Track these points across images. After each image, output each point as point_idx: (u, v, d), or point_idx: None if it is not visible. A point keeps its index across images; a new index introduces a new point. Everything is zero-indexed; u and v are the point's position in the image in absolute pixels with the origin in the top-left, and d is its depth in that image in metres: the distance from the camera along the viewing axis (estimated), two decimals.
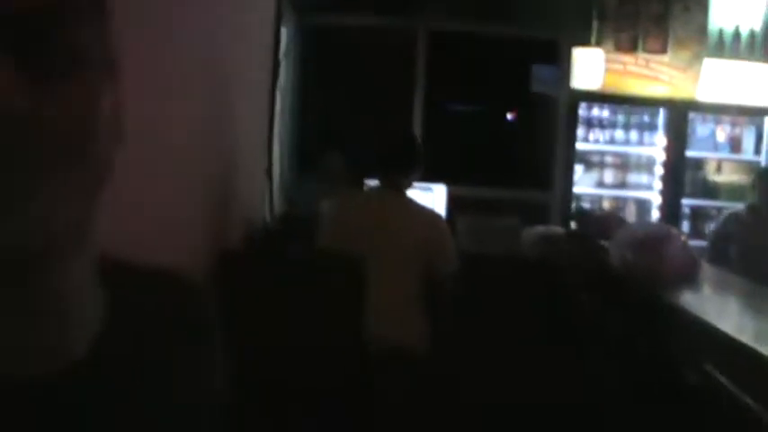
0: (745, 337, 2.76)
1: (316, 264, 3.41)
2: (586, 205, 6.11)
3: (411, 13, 6.06)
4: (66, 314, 0.65)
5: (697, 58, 6.06)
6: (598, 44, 6.00)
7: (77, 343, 0.66)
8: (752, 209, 4.59)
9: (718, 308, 3.59)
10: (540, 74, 6.43)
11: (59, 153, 0.56)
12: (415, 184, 3.76)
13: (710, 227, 5.05)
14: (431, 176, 4.91)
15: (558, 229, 5.04)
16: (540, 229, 4.75)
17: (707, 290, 4.04)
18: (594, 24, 6.02)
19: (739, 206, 4.81)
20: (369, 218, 3.51)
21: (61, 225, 0.58)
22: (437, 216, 3.72)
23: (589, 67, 5.94)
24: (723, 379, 2.64)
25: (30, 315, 0.62)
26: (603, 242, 4.22)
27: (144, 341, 0.73)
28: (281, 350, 3.11)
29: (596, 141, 6.26)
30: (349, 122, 6.06)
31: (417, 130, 6.11)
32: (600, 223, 4.59)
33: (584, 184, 6.23)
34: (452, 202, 4.94)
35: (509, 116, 6.84)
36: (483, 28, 6.18)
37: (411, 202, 3.62)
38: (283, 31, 5.17)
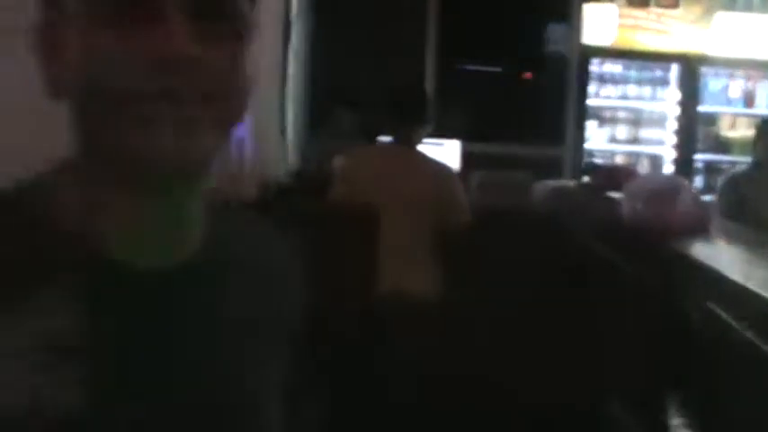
0: (752, 284, 2.80)
1: (329, 216, 3.49)
2: (599, 161, 6.14)
3: None
4: (190, 221, 0.80)
5: (709, 11, 6.05)
6: None
7: (190, 245, 0.81)
8: (756, 164, 4.61)
9: (727, 257, 3.63)
10: (555, 33, 6.43)
11: (216, 89, 0.72)
12: (428, 139, 3.81)
13: (720, 182, 5.07)
14: (443, 133, 4.96)
15: (570, 183, 5.09)
16: (552, 182, 4.79)
17: (717, 241, 4.08)
18: None
19: (745, 161, 4.83)
20: (380, 171, 3.58)
21: (211, 148, 0.74)
22: (447, 168, 3.78)
23: (601, 22, 5.95)
24: (731, 320, 2.69)
25: (168, 217, 0.78)
26: (615, 195, 4.26)
27: (234, 258, 0.87)
28: None
29: (608, 97, 6.28)
30: (361, 80, 6.09)
31: (430, 86, 6.14)
32: (611, 176, 4.62)
33: (596, 139, 6.26)
34: (465, 157, 4.99)
35: (526, 76, 6.83)
36: None
37: (422, 156, 3.67)
38: None
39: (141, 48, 0.69)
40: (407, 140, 3.63)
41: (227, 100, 0.75)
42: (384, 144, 3.79)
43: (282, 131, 4.75)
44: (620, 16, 5.99)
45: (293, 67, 5.22)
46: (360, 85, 6.03)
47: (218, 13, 0.73)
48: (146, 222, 0.77)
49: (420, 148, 3.71)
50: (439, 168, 3.68)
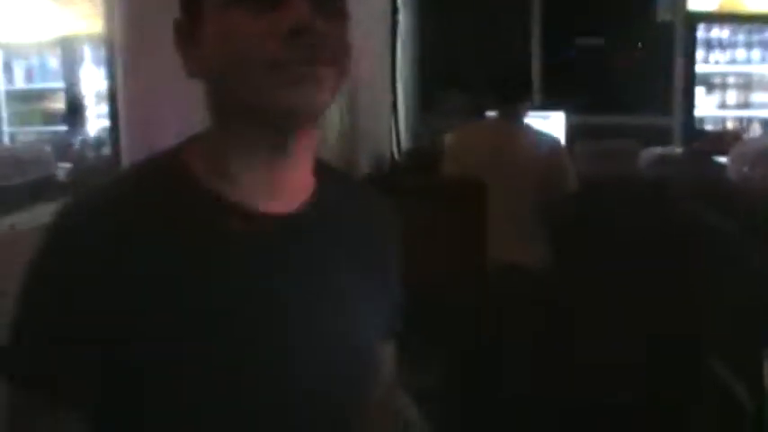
0: None
1: (438, 189, 3.70)
2: (709, 127, 6.12)
3: None
4: (302, 166, 1.01)
5: None
6: None
7: (306, 192, 1.02)
8: None
9: None
10: (662, 2, 6.41)
11: (333, 54, 0.92)
12: (534, 112, 3.98)
13: None
14: (549, 105, 5.08)
15: (676, 150, 5.13)
16: (658, 149, 4.85)
17: None
18: None
19: None
20: (488, 145, 3.76)
21: (329, 102, 0.93)
22: (554, 140, 3.94)
23: None
24: None
25: (296, 167, 0.99)
26: (722, 159, 4.29)
27: (340, 212, 1.06)
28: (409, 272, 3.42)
29: (717, 63, 6.23)
30: (468, 59, 6.25)
31: (536, 61, 6.26)
32: (717, 141, 4.65)
33: (705, 106, 6.22)
34: (571, 129, 5.09)
35: (633, 46, 6.80)
36: None
37: (528, 128, 3.84)
38: None
39: (275, 24, 0.88)
40: (513, 115, 3.80)
41: (340, 63, 0.93)
42: (491, 119, 3.96)
43: (393, 111, 4.97)
44: None
45: (401, 49, 5.42)
46: (467, 64, 6.19)
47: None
48: (271, 171, 0.97)
49: (526, 121, 3.87)
50: (545, 139, 3.85)
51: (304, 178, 1.01)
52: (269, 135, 0.94)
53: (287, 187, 0.98)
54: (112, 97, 2.97)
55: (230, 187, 0.95)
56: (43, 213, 2.14)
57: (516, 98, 3.80)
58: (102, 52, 6.48)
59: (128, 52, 2.42)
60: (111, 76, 2.92)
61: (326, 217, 1.01)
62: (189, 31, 0.95)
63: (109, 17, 2.62)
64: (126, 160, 2.53)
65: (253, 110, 0.92)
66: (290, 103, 0.89)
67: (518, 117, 3.81)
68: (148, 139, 2.31)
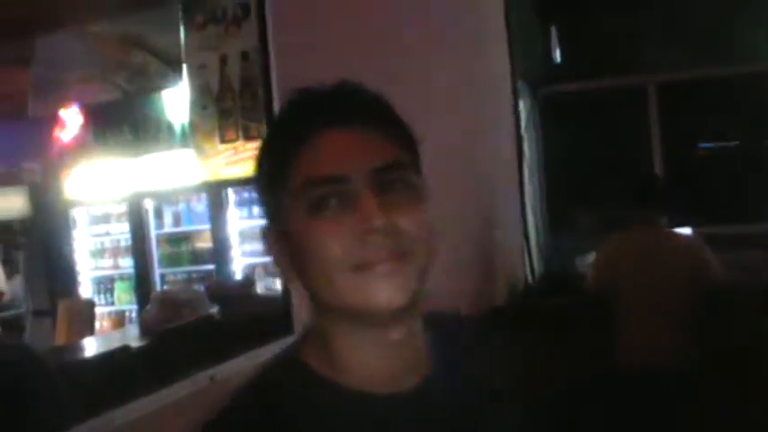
0: None
1: (572, 309, 3.89)
2: None
3: (640, 70, 6.37)
4: (411, 346, 1.01)
5: None
6: None
7: (421, 367, 1.03)
8: None
9: None
10: None
11: (410, 249, 0.94)
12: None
13: None
14: (676, 219, 5.15)
15: None
16: None
17: None
18: None
19: None
20: (635, 254, 3.91)
21: (415, 289, 0.95)
22: (696, 241, 4.07)
23: None
24: None
25: (404, 349, 0.99)
26: None
27: (454, 361, 1.06)
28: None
29: None
30: (593, 178, 6.40)
31: (659, 172, 6.36)
32: None
33: None
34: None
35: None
36: (713, 72, 6.33)
37: (669, 233, 3.99)
38: (521, 105, 5.68)
39: (351, 228, 0.91)
40: (655, 223, 3.96)
41: (421, 250, 0.95)
42: (634, 230, 4.09)
43: (526, 239, 5.16)
44: None
45: (528, 176, 5.64)
46: (592, 182, 6.33)
47: (396, 186, 0.95)
48: (381, 356, 0.98)
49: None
50: (688, 241, 4.00)
51: (416, 355, 1.02)
52: (366, 331, 0.97)
53: (401, 368, 1.00)
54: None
55: (348, 376, 0.98)
56: (243, 364, 2.36)
57: (658, 206, 3.96)
58: (245, 194, 6.99)
59: None
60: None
61: (448, 382, 1.03)
62: (278, 240, 1.00)
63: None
64: (295, 296, 2.67)
65: (344, 311, 0.95)
66: (376, 302, 0.92)
67: (657, 224, 3.96)
68: None
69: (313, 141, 0.94)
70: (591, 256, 4.36)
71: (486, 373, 1.10)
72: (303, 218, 0.93)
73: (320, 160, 0.94)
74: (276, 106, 2.63)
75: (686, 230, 5.16)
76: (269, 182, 1.00)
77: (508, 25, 5.02)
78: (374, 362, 0.98)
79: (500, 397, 1.10)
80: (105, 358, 3.63)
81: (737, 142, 6.74)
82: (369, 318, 0.94)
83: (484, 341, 1.17)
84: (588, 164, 6.53)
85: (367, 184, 0.92)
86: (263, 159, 1.02)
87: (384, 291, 0.91)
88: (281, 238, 0.98)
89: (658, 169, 6.47)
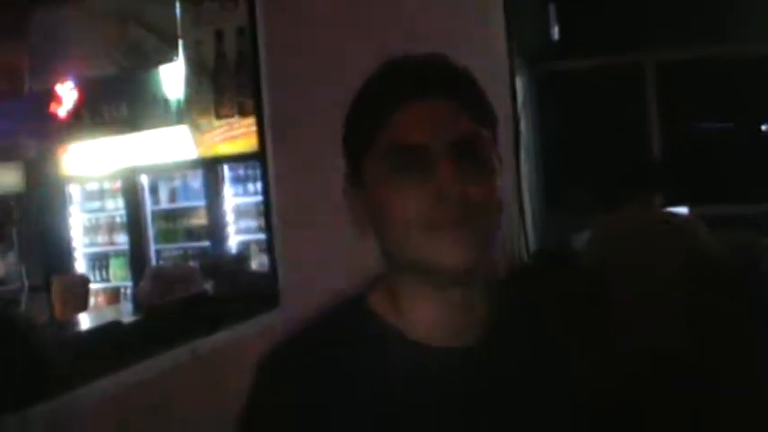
0: None
1: (573, 284, 3.86)
2: None
3: (638, 48, 6.34)
4: (476, 309, 1.07)
5: None
6: None
7: (479, 329, 1.08)
8: None
9: None
10: None
11: (479, 220, 1.00)
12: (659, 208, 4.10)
13: None
14: (673, 198, 5.13)
15: None
16: None
17: None
18: None
19: None
20: (631, 233, 3.90)
21: (479, 259, 1.01)
22: (691, 221, 4.06)
23: None
24: None
25: (465, 309, 1.06)
26: None
27: (516, 334, 1.12)
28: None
29: None
30: (590, 157, 6.38)
31: (657, 151, 6.35)
32: None
33: None
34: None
35: (763, 128, 6.68)
36: (711, 52, 6.27)
37: (663, 213, 3.97)
38: (518, 82, 5.63)
39: (426, 192, 0.98)
40: (650, 204, 3.94)
41: (489, 222, 1.02)
42: (630, 209, 4.07)
43: (521, 214, 5.13)
44: None
45: (524, 154, 5.60)
46: (589, 162, 6.31)
47: (474, 157, 1.01)
48: (443, 312, 1.05)
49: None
50: (683, 220, 3.98)
51: (476, 315, 1.07)
52: (430, 287, 1.04)
53: (460, 325, 1.06)
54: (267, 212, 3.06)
55: (409, 327, 1.05)
56: (225, 338, 2.35)
57: (654, 187, 3.95)
58: (241, 171, 6.98)
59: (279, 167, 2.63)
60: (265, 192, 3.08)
61: (503, 346, 1.09)
62: (357, 199, 1.07)
63: (262, 139, 2.85)
64: (281, 272, 2.71)
65: (413, 266, 1.02)
66: (442, 263, 0.99)
67: (651, 204, 3.95)
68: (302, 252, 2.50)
69: (401, 110, 1.01)
70: (586, 234, 4.34)
71: (535, 340, 1.16)
72: (384, 180, 1.01)
73: (405, 129, 1.01)
74: (264, 83, 2.61)
75: (683, 210, 5.15)
76: (354, 144, 1.07)
77: (506, 1, 4.98)
78: (436, 316, 1.05)
79: (547, 365, 1.14)
80: (94, 333, 3.61)
81: (732, 124, 6.69)
82: (434, 275, 1.01)
83: (530, 310, 1.24)
84: (585, 142, 6.50)
85: (445, 154, 0.99)
86: (351, 122, 1.09)
87: (450, 253, 0.98)
88: (361, 196, 1.06)
89: (655, 148, 6.45)
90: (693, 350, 3.75)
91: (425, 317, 1.05)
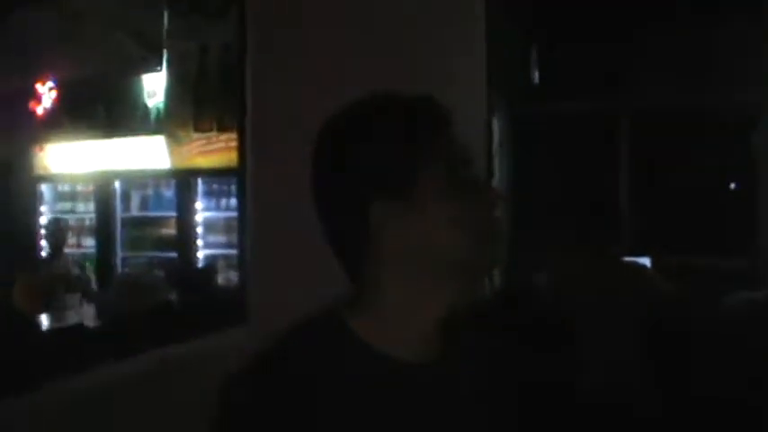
0: None
1: (528, 328, 3.92)
2: None
3: (612, 96, 6.46)
4: (461, 319, 1.14)
5: None
6: None
7: (451, 344, 1.13)
8: None
9: None
10: (759, 138, 6.34)
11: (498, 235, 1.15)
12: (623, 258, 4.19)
13: None
14: (637, 248, 5.22)
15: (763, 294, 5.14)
16: (746, 294, 4.89)
17: None
18: None
19: None
20: (585, 283, 3.96)
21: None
22: (641, 267, 4.16)
23: None
24: None
25: (453, 323, 1.12)
26: None
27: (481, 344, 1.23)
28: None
29: None
30: (557, 200, 6.44)
31: (623, 202, 6.44)
32: None
33: None
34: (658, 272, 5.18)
35: (732, 186, 6.74)
36: (687, 102, 6.38)
37: (617, 262, 4.05)
38: (494, 123, 5.71)
39: (481, 206, 1.09)
40: (604, 251, 4.02)
41: (499, 244, 1.17)
42: (586, 257, 4.14)
43: None
44: None
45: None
46: (556, 206, 6.38)
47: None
48: (429, 325, 1.09)
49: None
50: (638, 269, 4.09)
51: (452, 330, 1.12)
52: (450, 282, 1.08)
53: (435, 336, 1.09)
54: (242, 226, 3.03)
55: (386, 341, 1.06)
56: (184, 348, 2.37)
57: (607, 237, 4.03)
58: (214, 185, 7.00)
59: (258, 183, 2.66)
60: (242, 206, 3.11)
61: (466, 368, 1.14)
62: (387, 214, 1.06)
63: (242, 153, 2.89)
64: (251, 287, 2.71)
65: (449, 263, 1.06)
66: (485, 258, 1.10)
67: (609, 252, 4.03)
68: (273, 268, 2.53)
69: (440, 132, 1.11)
70: (546, 277, 4.39)
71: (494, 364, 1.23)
72: (451, 192, 1.06)
73: (453, 148, 1.10)
74: (248, 101, 2.65)
75: (644, 260, 5.23)
76: (398, 171, 1.07)
77: (488, 42, 5.06)
78: (421, 323, 1.08)
79: (500, 393, 1.20)
80: (57, 333, 3.62)
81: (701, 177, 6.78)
82: (470, 268, 1.08)
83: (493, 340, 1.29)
84: (555, 184, 6.59)
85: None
86: (381, 155, 1.08)
87: (494, 256, 1.12)
88: (395, 212, 1.05)
89: (622, 196, 6.53)
90: (648, 395, 3.82)
91: (408, 325, 1.08)
